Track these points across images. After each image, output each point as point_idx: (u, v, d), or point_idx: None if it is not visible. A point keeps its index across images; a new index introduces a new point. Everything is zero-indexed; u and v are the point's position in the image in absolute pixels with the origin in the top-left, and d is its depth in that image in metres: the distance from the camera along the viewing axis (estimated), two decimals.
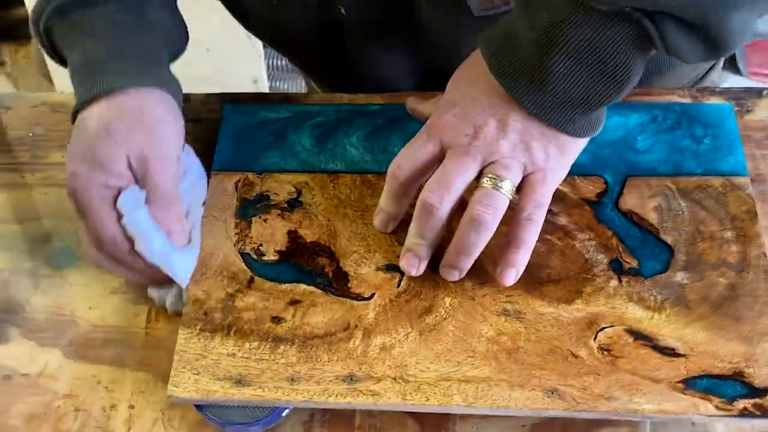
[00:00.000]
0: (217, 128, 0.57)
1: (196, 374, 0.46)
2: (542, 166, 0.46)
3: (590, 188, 0.52)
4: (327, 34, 0.60)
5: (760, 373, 0.44)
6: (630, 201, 0.51)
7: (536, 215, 0.46)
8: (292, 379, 0.45)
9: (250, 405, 0.46)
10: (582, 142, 0.46)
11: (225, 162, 0.55)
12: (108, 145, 0.47)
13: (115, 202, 0.47)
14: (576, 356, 0.45)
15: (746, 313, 0.46)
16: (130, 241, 0.48)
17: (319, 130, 0.56)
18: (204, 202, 0.53)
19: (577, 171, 0.52)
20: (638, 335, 0.46)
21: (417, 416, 0.48)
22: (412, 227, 0.47)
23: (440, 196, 0.45)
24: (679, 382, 0.44)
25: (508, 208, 0.46)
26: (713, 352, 0.45)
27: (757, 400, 0.43)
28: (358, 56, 0.61)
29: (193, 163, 0.53)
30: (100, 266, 0.50)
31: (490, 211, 0.44)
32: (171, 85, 0.52)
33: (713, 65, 0.72)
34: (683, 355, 0.45)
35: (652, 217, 0.50)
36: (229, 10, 0.63)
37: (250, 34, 0.73)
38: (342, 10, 0.57)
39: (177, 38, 0.57)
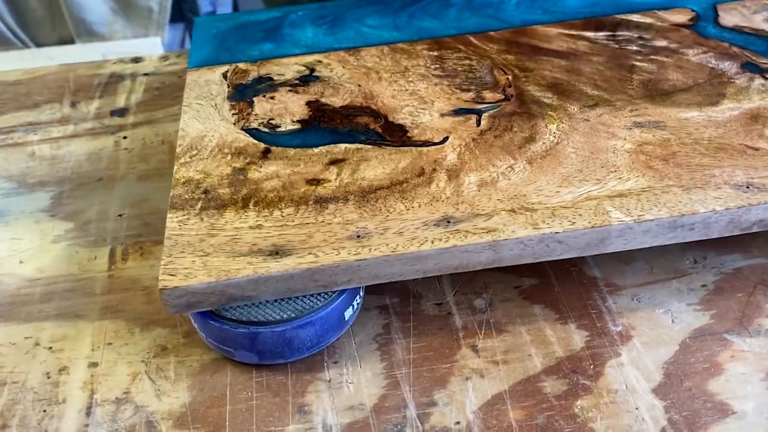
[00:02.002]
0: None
1: (204, 255, 0.29)
2: None
3: (678, 16, 0.41)
4: None
5: None
6: (732, 19, 0.41)
7: None
8: (359, 236, 0.29)
9: (293, 292, 0.29)
10: None
11: (203, 60, 0.42)
12: None
13: None
14: (755, 148, 0.32)
15: None
16: None
17: (324, 20, 0.44)
18: None
19: (654, 6, 0.42)
20: None
21: (541, 297, 0.32)
22: None
23: None
24: None
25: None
26: None
27: None
28: None
29: None
30: None
31: None
32: None
33: None
34: None
35: (767, 28, 0.40)
36: None
37: None
38: None
39: None
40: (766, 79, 0.36)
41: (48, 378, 0.31)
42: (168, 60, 0.51)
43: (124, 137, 0.44)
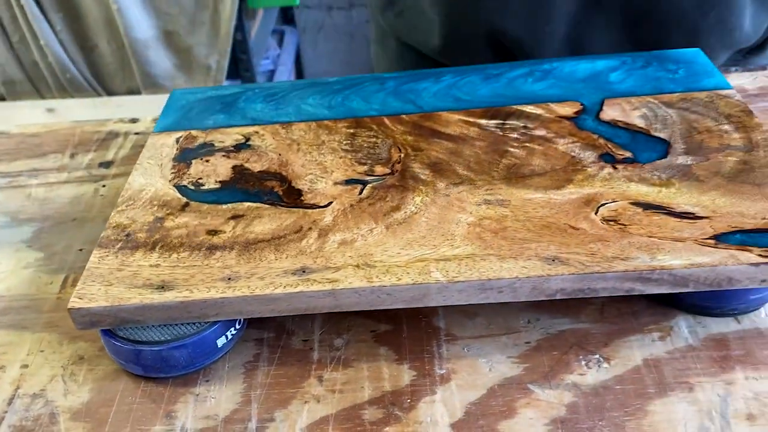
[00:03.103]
0: None
1: (108, 285, 0.36)
2: None
3: (566, 109, 0.47)
4: None
5: None
6: (612, 113, 0.46)
7: None
8: (229, 279, 0.36)
9: (173, 320, 0.36)
10: None
11: (166, 126, 0.50)
12: None
13: None
14: (576, 228, 0.37)
15: None
16: None
17: (274, 97, 0.52)
18: None
19: (551, 99, 0.48)
20: (648, 206, 0.38)
21: (390, 341, 0.38)
22: None
23: None
24: (708, 238, 0.35)
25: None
26: (740, 212, 0.37)
27: None
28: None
29: None
30: None
31: None
32: None
33: None
34: (706, 217, 0.37)
35: (639, 123, 0.45)
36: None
37: None
38: None
39: None
40: (615, 168, 0.41)
41: None
42: None
43: (104, 185, 0.53)
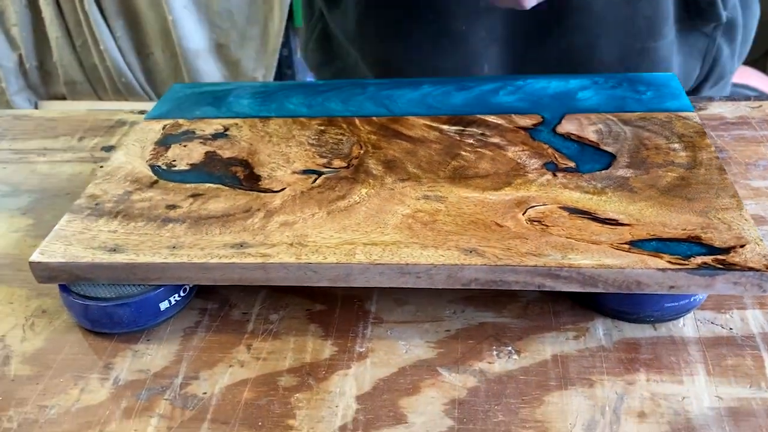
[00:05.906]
0: None
1: (68, 245, 0.40)
2: None
3: (527, 121, 0.49)
4: None
5: (722, 237, 0.37)
6: (568, 126, 0.48)
7: None
8: (174, 247, 0.39)
9: (120, 281, 0.39)
10: None
11: (158, 114, 0.54)
12: None
13: None
14: (501, 225, 0.39)
15: (700, 196, 0.40)
16: None
17: (261, 94, 0.56)
18: None
19: (517, 111, 0.50)
20: (575, 210, 0.39)
21: (321, 320, 0.40)
22: None
23: None
24: (623, 243, 0.37)
25: None
26: (663, 222, 0.38)
27: (719, 256, 0.35)
28: None
29: None
30: None
31: None
32: None
33: None
34: (627, 225, 0.38)
35: (592, 137, 0.46)
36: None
37: None
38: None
39: None
40: (554, 176, 0.43)
41: None
42: None
43: (101, 166, 0.57)
